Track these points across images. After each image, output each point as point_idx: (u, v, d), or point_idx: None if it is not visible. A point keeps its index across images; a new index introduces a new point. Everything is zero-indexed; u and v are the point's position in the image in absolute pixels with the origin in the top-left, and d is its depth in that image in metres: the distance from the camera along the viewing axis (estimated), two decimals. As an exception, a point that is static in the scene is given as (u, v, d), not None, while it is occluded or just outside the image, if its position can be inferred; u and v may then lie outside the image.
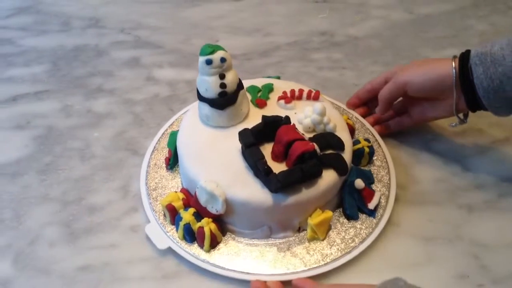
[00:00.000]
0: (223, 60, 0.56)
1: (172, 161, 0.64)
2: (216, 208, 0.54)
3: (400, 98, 0.69)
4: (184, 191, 0.59)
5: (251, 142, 0.55)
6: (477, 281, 0.55)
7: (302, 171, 0.53)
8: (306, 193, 0.54)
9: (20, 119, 0.76)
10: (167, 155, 0.65)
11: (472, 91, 0.59)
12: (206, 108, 0.59)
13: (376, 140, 0.69)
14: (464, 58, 0.60)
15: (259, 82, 0.68)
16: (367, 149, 0.65)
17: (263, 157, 0.54)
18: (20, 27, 0.99)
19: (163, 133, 0.70)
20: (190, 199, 0.57)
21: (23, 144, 0.71)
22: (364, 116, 0.73)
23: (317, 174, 0.55)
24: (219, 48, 0.56)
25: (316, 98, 0.66)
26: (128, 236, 0.59)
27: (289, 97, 0.65)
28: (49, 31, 0.97)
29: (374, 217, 0.60)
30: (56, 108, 0.78)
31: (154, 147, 0.68)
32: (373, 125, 0.72)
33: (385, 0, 1.09)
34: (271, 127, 0.57)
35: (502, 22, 1.01)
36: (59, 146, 0.71)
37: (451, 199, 0.64)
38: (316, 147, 0.54)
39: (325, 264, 0.55)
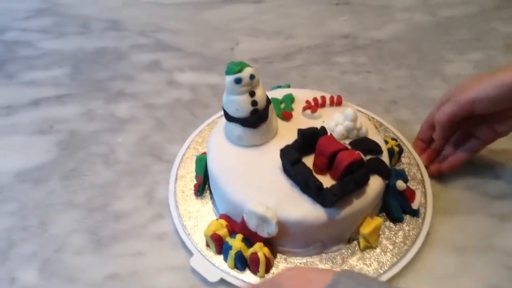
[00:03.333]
0: (252, 77, 0.54)
1: (202, 187, 0.62)
2: (268, 231, 0.52)
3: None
4: (225, 217, 0.57)
5: (296, 158, 0.53)
6: (511, 293, 0.54)
7: (355, 181, 0.52)
8: (357, 203, 0.53)
9: (42, 123, 0.75)
10: (196, 181, 0.63)
11: None
12: (237, 128, 0.57)
13: (398, 137, 0.69)
14: None
15: (278, 93, 0.66)
16: (396, 148, 0.65)
17: (311, 172, 0.52)
18: (39, 29, 0.98)
19: (188, 147, 0.68)
20: (234, 225, 0.55)
21: (46, 149, 0.71)
22: (428, 164, 0.67)
23: (367, 183, 0.54)
24: (245, 65, 0.54)
25: (339, 103, 0.65)
26: (155, 244, 0.58)
27: (314, 106, 0.63)
28: (68, 34, 0.97)
29: (418, 216, 0.59)
30: (79, 112, 0.77)
31: (177, 173, 0.65)
32: (437, 170, 0.66)
33: (408, 2, 1.07)
34: (308, 140, 0.56)
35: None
36: (83, 151, 0.70)
37: (483, 207, 0.63)
38: (362, 155, 0.53)
39: (385, 272, 0.54)
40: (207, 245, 0.56)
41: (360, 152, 0.54)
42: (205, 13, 1.04)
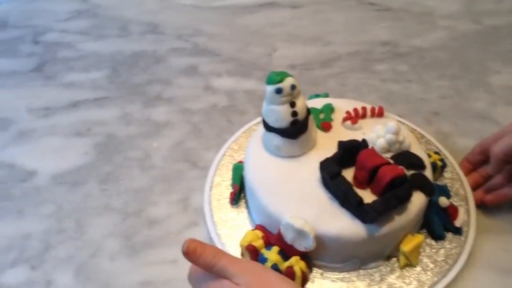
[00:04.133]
0: (293, 87, 0.52)
1: (238, 196, 0.61)
2: (305, 245, 0.50)
3: None
4: (261, 228, 0.56)
5: (336, 172, 0.52)
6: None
7: (397, 198, 0.50)
8: (398, 220, 0.51)
9: (80, 125, 0.76)
10: (232, 190, 0.62)
11: None
12: (276, 138, 0.56)
13: (440, 150, 0.67)
14: None
15: (317, 103, 0.64)
16: (440, 163, 0.62)
17: (352, 187, 0.51)
18: (79, 31, 1.00)
19: (224, 154, 0.67)
20: (270, 237, 0.54)
21: (83, 152, 0.71)
22: (474, 188, 0.63)
23: (409, 199, 0.52)
24: (287, 74, 0.53)
25: (380, 115, 0.63)
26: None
27: (355, 117, 0.62)
28: (107, 36, 0.98)
29: (461, 234, 0.57)
30: (116, 115, 0.78)
31: (212, 180, 0.64)
32: (480, 199, 0.62)
33: (451, 10, 1.04)
34: (349, 153, 0.54)
35: None
36: (119, 154, 0.71)
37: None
38: (405, 170, 0.51)
39: None
40: (242, 255, 0.55)
41: (403, 168, 0.52)
42: (243, 18, 1.03)
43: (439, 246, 0.56)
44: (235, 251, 0.55)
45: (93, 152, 0.71)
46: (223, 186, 0.63)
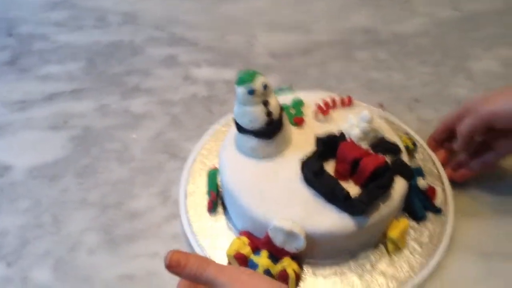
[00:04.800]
0: (265, 87, 0.51)
1: (216, 204, 0.59)
2: (296, 246, 0.49)
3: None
4: (246, 234, 0.54)
5: (319, 169, 0.51)
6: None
7: (382, 187, 0.50)
8: (384, 208, 0.51)
9: (57, 118, 0.74)
10: (209, 198, 0.59)
11: None
12: (252, 140, 0.54)
13: (409, 132, 0.68)
14: None
15: (286, 99, 0.62)
16: (411, 145, 0.63)
17: (337, 181, 0.50)
18: (54, 22, 0.97)
19: (194, 159, 0.65)
20: (257, 242, 0.52)
21: (60, 145, 0.70)
22: (444, 163, 0.65)
23: (391, 186, 0.52)
24: (257, 73, 0.51)
25: (349, 104, 0.63)
26: (170, 245, 0.57)
27: (326, 109, 0.61)
28: (84, 27, 0.96)
29: (441, 213, 0.58)
30: (93, 107, 0.76)
31: (186, 190, 0.61)
32: (450, 175, 0.64)
33: (431, -4, 1.04)
34: (328, 146, 0.54)
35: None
36: (97, 147, 0.69)
37: (508, 212, 0.60)
38: (386, 159, 0.51)
39: (416, 275, 0.53)
40: (229, 263, 0.53)
41: (383, 156, 0.52)
42: (222, 6, 1.01)
43: (422, 228, 0.57)
44: (221, 260, 0.53)
45: (70, 145, 0.70)
46: (198, 194, 0.61)
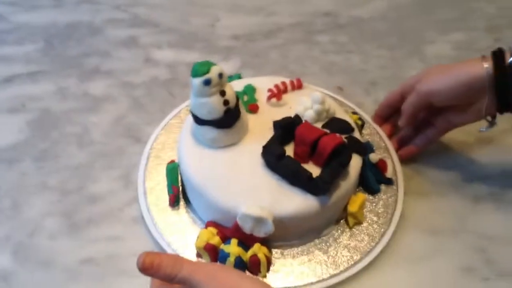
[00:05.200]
0: (221, 76, 0.51)
1: (178, 198, 0.59)
2: (265, 231, 0.51)
3: None
4: (213, 224, 0.54)
5: (281, 153, 0.53)
6: (483, 275, 0.55)
7: (341, 164, 0.52)
8: (344, 185, 0.54)
9: (14, 101, 0.73)
10: (172, 193, 0.58)
11: (506, 93, 0.56)
12: (211, 131, 0.54)
13: (355, 110, 0.71)
14: (498, 57, 0.56)
15: (237, 85, 0.62)
16: (359, 122, 0.66)
17: (300, 164, 0.52)
18: (10, 1, 0.94)
19: (148, 156, 0.64)
20: (225, 231, 0.53)
21: (18, 129, 0.69)
22: (390, 136, 0.69)
23: (349, 163, 0.54)
24: (211, 64, 0.51)
25: (300, 87, 0.64)
26: (132, 228, 0.57)
27: (278, 93, 0.62)
28: (40, 6, 0.93)
29: (392, 184, 0.62)
30: (51, 90, 0.75)
31: (145, 187, 0.60)
32: (397, 150, 0.67)
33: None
34: (285, 130, 0.55)
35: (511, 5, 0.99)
36: (56, 131, 0.68)
37: (456, 190, 0.64)
38: (343, 137, 0.53)
39: (377, 244, 0.56)
40: (199, 256, 0.54)
41: (340, 135, 0.54)
42: (184, -13, 1.00)
43: (376, 199, 0.61)
44: (190, 255, 0.54)
45: (29, 129, 0.69)
46: (157, 190, 0.60)
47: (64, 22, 0.89)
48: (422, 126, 0.65)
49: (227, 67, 0.80)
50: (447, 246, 0.58)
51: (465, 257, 0.57)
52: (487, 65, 0.56)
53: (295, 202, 0.52)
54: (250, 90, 0.63)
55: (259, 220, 0.50)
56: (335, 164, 0.52)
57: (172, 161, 0.60)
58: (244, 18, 0.93)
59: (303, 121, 0.57)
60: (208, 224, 0.55)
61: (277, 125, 0.56)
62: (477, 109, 0.59)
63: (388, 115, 0.69)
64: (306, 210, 0.52)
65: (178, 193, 0.59)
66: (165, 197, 0.59)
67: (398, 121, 0.65)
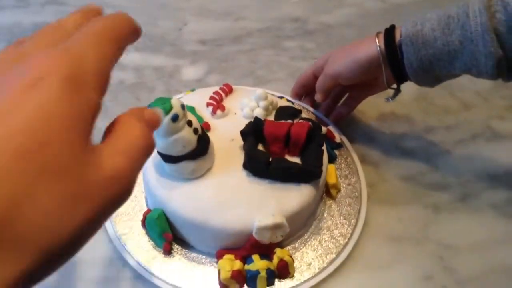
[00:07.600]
0: (183, 107, 0.48)
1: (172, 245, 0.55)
2: (281, 233, 0.52)
3: None
4: (225, 251, 0.52)
5: (267, 157, 0.54)
6: (441, 283, 0.56)
7: (320, 145, 0.56)
8: (324, 162, 0.57)
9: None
10: (165, 241, 0.54)
11: (399, 67, 0.60)
12: (189, 164, 0.51)
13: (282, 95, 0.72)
14: (389, 35, 0.60)
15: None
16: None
17: (288, 160, 0.54)
18: (-29, 0, 0.91)
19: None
20: (241, 253, 0.52)
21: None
22: (312, 107, 0.73)
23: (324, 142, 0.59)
24: (169, 98, 0.47)
25: (231, 91, 0.65)
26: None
27: (220, 104, 0.62)
28: (4, 7, 0.91)
29: (343, 147, 0.68)
30: (13, 93, 0.73)
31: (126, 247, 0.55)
32: (327, 116, 0.72)
33: (359, -13, 1.07)
34: (254, 135, 0.56)
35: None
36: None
37: (418, 198, 0.64)
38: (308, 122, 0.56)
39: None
40: (223, 287, 0.51)
41: (303, 121, 0.57)
42: (153, -11, 0.99)
43: (337, 166, 0.65)
44: None
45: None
46: (142, 240, 0.55)
47: (29, 23, 0.87)
48: (341, 95, 0.72)
49: (194, 72, 0.80)
50: (409, 254, 0.58)
51: (425, 265, 0.57)
52: (379, 44, 0.61)
53: (296, 197, 0.53)
54: (191, 110, 0.59)
55: (276, 227, 0.51)
56: (314, 147, 0.55)
57: (149, 211, 0.56)
58: (212, 23, 0.92)
59: (264, 121, 0.57)
60: (220, 253, 0.53)
61: (246, 133, 0.56)
62: (381, 82, 0.64)
63: (303, 93, 0.74)
64: (309, 199, 0.54)
65: (172, 240, 0.55)
66: (149, 247, 0.55)
67: (315, 98, 0.70)
